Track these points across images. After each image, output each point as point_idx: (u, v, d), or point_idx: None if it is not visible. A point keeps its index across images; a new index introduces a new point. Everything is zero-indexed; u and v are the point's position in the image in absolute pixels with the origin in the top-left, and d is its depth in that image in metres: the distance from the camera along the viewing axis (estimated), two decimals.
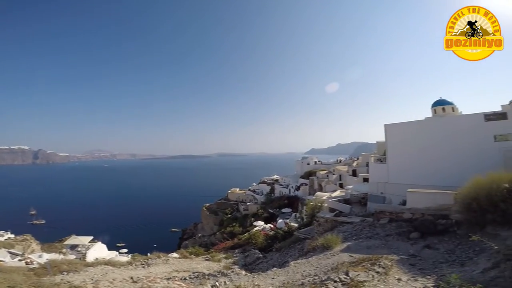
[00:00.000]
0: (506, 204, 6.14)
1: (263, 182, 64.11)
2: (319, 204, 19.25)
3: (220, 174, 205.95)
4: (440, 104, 25.61)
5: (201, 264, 14.51)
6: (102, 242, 31.00)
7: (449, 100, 25.98)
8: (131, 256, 20.27)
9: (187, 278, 9.66)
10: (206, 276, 9.51)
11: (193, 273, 10.61)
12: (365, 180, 23.56)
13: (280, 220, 29.19)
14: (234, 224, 44.12)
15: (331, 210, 19.36)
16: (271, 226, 27.67)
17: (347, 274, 6.75)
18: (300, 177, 51.36)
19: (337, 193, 26.94)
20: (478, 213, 6.55)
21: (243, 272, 10.41)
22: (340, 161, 57.16)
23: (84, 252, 27.48)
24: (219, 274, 9.87)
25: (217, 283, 8.07)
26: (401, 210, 10.22)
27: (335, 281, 6.77)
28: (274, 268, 9.85)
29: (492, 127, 11.60)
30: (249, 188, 65.32)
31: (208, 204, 64.21)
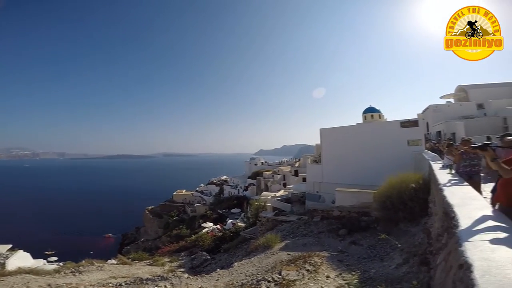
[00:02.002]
0: (413, 202, 6.89)
1: (212, 183, 63.16)
2: (263, 203, 19.65)
3: (165, 175, 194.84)
4: (369, 111, 29.22)
5: (142, 269, 13.61)
6: (24, 251, 26.41)
7: (377, 108, 29.78)
8: (63, 264, 17.76)
9: (123, 284, 8.94)
10: (144, 281, 8.91)
11: (133, 278, 9.88)
12: (305, 180, 24.97)
13: (230, 221, 29.27)
14: (181, 226, 42.44)
15: (275, 209, 20.02)
16: (218, 227, 27.49)
17: (280, 274, 6.93)
18: (248, 178, 52.17)
19: (281, 192, 28.03)
20: (391, 211, 7.24)
21: (186, 275, 10.25)
22: (285, 162, 59.70)
23: (2, 261, 23.10)
24: (158, 278, 9.36)
25: (156, 287, 7.57)
26: (331, 208, 10.96)
27: (268, 281, 6.89)
28: (218, 270, 9.82)
29: (406, 133, 13.52)
30: (197, 189, 63.74)
31: (151, 207, 60.42)
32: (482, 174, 5.86)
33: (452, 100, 28.60)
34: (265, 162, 60.90)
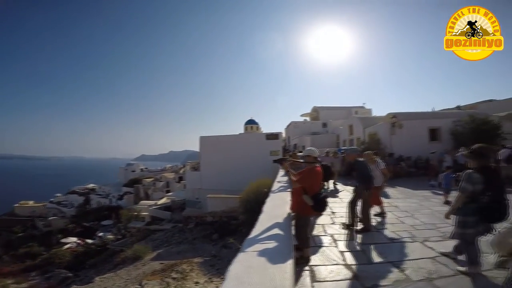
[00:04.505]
0: None
1: (74, 192, 53.87)
2: (136, 213, 18.39)
3: (2, 184, 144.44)
4: (249, 123, 32.98)
5: None
6: None
7: (256, 120, 33.92)
8: None
9: None
10: None
11: None
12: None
13: (99, 234, 27.04)
14: (31, 243, 33.78)
15: (153, 218, 18.98)
16: (79, 241, 24.06)
17: (140, 284, 6.76)
18: (124, 185, 47.73)
19: (163, 200, 27.19)
20: (251, 213, 8.22)
21: None
22: (169, 168, 57.97)
23: None
24: None
25: None
26: (204, 214, 11.53)
27: None
28: (74, 286, 9.41)
29: (270, 145, 16.08)
30: (51, 199, 52.38)
31: None
32: None
33: (308, 118, 35.92)
34: (145, 168, 57.12)
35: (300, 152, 10.22)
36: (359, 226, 4.59)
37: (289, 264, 1.78)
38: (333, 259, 3.44)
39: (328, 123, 29.60)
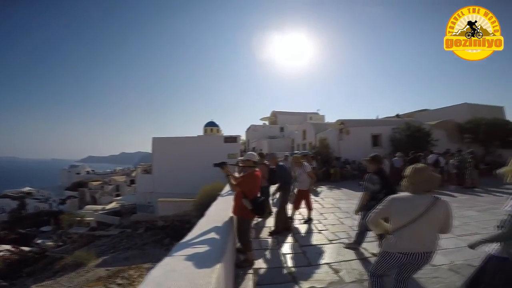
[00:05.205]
0: None
1: (5, 196, 48.49)
2: (78, 218, 17.07)
3: None
4: (209, 125, 32.42)
5: None
6: None
7: (217, 122, 33.51)
8: None
9: None
10: None
11: None
12: None
13: (39, 241, 24.22)
14: None
15: (100, 223, 17.83)
16: (13, 249, 21.60)
17: None
18: (66, 189, 43.84)
19: (112, 204, 25.71)
20: None
21: None
22: (119, 171, 54.61)
23: None
24: None
25: None
26: (155, 218, 11.15)
27: None
28: None
29: (228, 147, 16.04)
30: None
31: None
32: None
33: (267, 122, 36.77)
34: (92, 170, 52.90)
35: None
36: (274, 227, 4.79)
37: (216, 269, 1.74)
38: (275, 262, 3.54)
39: (285, 128, 30.58)
